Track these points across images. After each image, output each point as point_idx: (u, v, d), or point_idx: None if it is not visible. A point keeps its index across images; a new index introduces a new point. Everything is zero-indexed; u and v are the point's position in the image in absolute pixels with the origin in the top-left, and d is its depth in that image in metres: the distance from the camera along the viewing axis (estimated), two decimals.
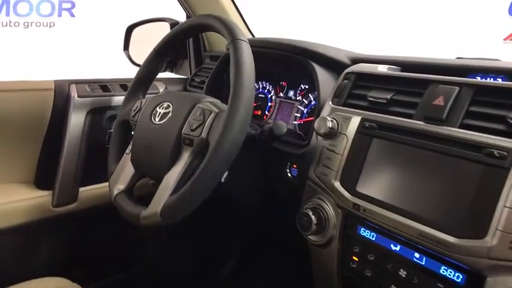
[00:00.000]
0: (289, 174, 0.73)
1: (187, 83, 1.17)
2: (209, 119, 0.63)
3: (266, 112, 0.97)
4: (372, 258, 0.58)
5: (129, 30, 1.29)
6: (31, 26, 3.41)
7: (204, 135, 0.62)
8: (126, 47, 1.28)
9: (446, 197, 0.46)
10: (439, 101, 0.51)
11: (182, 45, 1.21)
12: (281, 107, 0.94)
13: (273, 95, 0.97)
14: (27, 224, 0.95)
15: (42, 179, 0.98)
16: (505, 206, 0.41)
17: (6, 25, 3.31)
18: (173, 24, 1.16)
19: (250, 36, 1.19)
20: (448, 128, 0.49)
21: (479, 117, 0.47)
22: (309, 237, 0.64)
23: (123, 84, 1.04)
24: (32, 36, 3.48)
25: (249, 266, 1.19)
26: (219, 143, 0.57)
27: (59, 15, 3.52)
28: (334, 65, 0.72)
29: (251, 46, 0.89)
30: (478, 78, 0.55)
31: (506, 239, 0.40)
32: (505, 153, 0.42)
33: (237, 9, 1.15)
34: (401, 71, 0.63)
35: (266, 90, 0.99)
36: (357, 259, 0.61)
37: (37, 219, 0.96)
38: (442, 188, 0.46)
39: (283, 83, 0.95)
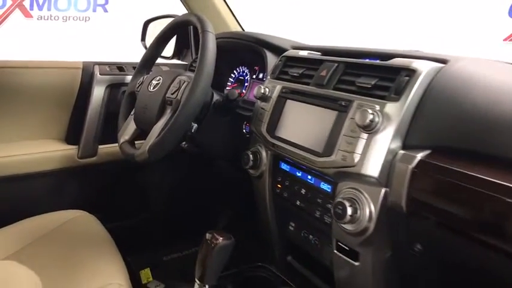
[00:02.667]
0: (244, 131, 0.99)
1: (187, 67, 1.45)
2: (183, 86, 0.89)
3: (243, 90, 1.23)
4: (287, 184, 0.84)
5: (146, 24, 1.57)
6: (69, 20, 3.80)
7: (179, 97, 0.89)
8: (143, 38, 1.56)
9: (319, 133, 0.71)
10: (323, 73, 0.75)
11: (183, 36, 1.47)
12: (253, 86, 1.20)
13: (249, 77, 1.23)
14: (58, 170, 1.25)
15: (71, 136, 1.28)
16: (343, 135, 0.66)
17: (47, 19, 3.71)
18: None
19: (239, 29, 1.44)
20: (326, 90, 0.74)
21: (344, 82, 0.72)
22: (249, 171, 0.90)
23: (134, 66, 1.33)
24: (70, 28, 3.87)
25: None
26: (185, 101, 0.83)
27: (94, 10, 3.89)
28: (279, 51, 0.97)
29: (224, 37, 1.16)
30: (367, 60, 0.79)
31: (341, 154, 0.65)
32: (347, 103, 0.67)
33: (227, 6, 1.41)
34: (322, 55, 0.88)
35: (244, 73, 1.25)
36: (280, 186, 0.86)
37: (66, 167, 1.26)
38: (318, 128, 0.71)
39: (256, 68, 1.20)
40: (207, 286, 0.73)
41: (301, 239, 0.86)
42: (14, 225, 1.05)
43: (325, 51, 0.87)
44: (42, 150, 1.22)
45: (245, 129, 0.99)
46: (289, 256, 0.95)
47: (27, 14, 3.64)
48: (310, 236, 0.83)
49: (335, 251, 0.72)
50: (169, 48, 1.44)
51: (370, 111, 0.61)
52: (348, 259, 0.70)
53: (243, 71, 1.25)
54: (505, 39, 3.05)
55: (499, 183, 0.49)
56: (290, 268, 0.94)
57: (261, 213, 0.95)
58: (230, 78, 1.29)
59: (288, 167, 0.83)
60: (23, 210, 1.09)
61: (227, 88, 1.28)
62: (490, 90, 0.59)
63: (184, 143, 1.14)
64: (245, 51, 1.13)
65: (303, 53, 0.87)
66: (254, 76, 1.20)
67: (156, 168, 1.40)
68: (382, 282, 0.70)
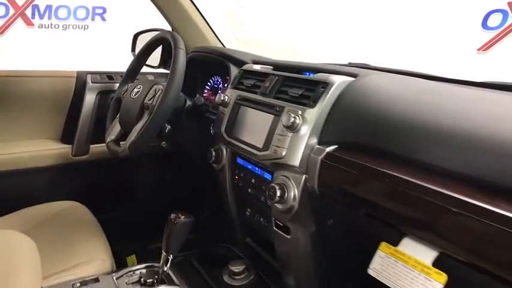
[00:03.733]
0: (211, 131, 1.17)
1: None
2: (158, 93, 1.07)
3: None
4: (242, 175, 1.01)
5: (135, 36, 1.75)
6: (68, 28, 3.99)
7: (154, 102, 1.06)
8: (133, 49, 1.73)
9: (261, 133, 0.88)
10: (267, 84, 0.92)
11: (167, 48, 1.65)
12: None
13: (221, 85, 1.40)
14: (54, 166, 1.43)
15: (66, 137, 1.46)
16: (276, 134, 0.83)
17: (48, 27, 3.90)
18: None
19: (219, 44, 1.62)
20: (268, 98, 0.91)
21: (281, 92, 0.89)
22: (213, 165, 1.08)
23: (122, 75, 1.51)
24: (69, 36, 4.06)
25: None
26: (157, 106, 1.00)
27: (92, 19, 4.09)
28: (240, 64, 1.15)
29: (198, 51, 1.33)
30: (307, 74, 0.97)
31: (273, 148, 0.82)
32: (281, 108, 0.85)
33: (207, 23, 1.58)
34: (273, 69, 1.05)
35: (218, 82, 1.43)
36: (237, 177, 1.04)
37: (61, 163, 1.44)
38: (261, 128, 0.88)
39: (227, 77, 1.38)
40: (171, 256, 0.90)
41: (255, 222, 1.04)
42: (15, 213, 1.21)
43: (276, 66, 1.05)
44: (40, 149, 1.40)
45: (212, 130, 1.17)
46: (248, 238, 1.12)
47: (29, 23, 3.83)
48: (261, 219, 1.01)
49: (274, 228, 0.89)
50: (156, 58, 1.61)
51: (292, 115, 0.78)
52: (282, 233, 0.87)
53: (217, 80, 1.43)
54: (478, 50, 3.24)
55: (383, 171, 0.65)
56: (249, 248, 1.12)
57: (223, 201, 1.12)
58: (207, 87, 1.47)
59: (242, 161, 1.01)
60: (23, 201, 1.26)
61: (203, 95, 1.45)
62: (387, 99, 0.76)
63: (164, 142, 1.32)
64: (217, 63, 1.30)
65: (257, 67, 1.05)
66: (226, 85, 1.38)
67: (141, 167, 1.57)
68: (310, 252, 0.87)
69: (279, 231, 0.88)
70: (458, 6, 3.26)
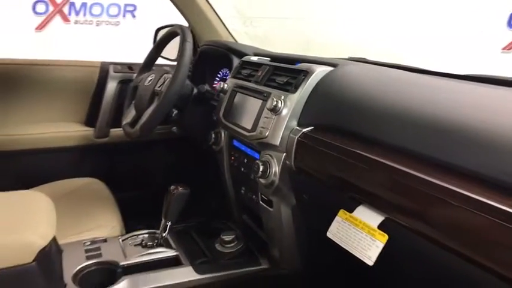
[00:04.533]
0: (214, 118, 1.28)
1: None
2: (166, 81, 1.19)
3: None
4: (237, 156, 1.12)
5: (157, 31, 1.89)
6: (101, 24, 4.22)
7: (163, 89, 1.18)
8: (154, 42, 1.89)
9: (251, 116, 0.97)
10: (259, 73, 1.03)
11: None
12: None
13: (229, 75, 1.51)
14: (77, 146, 1.59)
15: (89, 120, 1.62)
16: (263, 116, 0.93)
17: (82, 23, 4.15)
18: None
19: (231, 39, 1.72)
20: (259, 86, 1.01)
21: (270, 80, 0.98)
22: (212, 147, 1.19)
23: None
24: (102, 32, 4.29)
25: None
26: (164, 93, 1.12)
27: (124, 16, 4.30)
28: (242, 56, 1.25)
29: (208, 45, 1.44)
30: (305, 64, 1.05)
31: (259, 129, 0.92)
32: (268, 94, 0.94)
33: (220, 19, 1.69)
34: (270, 60, 1.15)
35: (226, 73, 1.54)
36: (233, 158, 1.14)
37: (84, 144, 1.59)
38: (251, 112, 0.98)
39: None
40: (169, 223, 1.02)
41: (248, 199, 1.14)
42: (40, 187, 1.37)
43: (273, 57, 1.15)
44: (66, 130, 1.57)
45: (214, 115, 1.28)
46: (245, 215, 1.22)
47: (65, 19, 4.09)
48: (253, 196, 1.11)
49: (260, 202, 1.00)
50: (175, 52, 1.75)
51: (275, 99, 0.88)
52: (267, 206, 0.97)
53: (226, 72, 1.54)
54: (503, 49, 3.19)
55: (348, 149, 0.73)
56: (245, 224, 1.22)
57: (222, 180, 1.23)
58: (217, 78, 1.58)
59: (238, 143, 1.11)
60: (49, 176, 1.42)
61: (213, 85, 1.57)
62: (360, 86, 0.85)
63: (174, 128, 1.44)
64: (223, 55, 1.41)
65: (254, 58, 1.15)
66: None
67: (155, 150, 1.71)
68: (291, 224, 0.96)
69: (264, 205, 0.98)
70: (483, 6, 3.22)
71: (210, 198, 1.39)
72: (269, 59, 1.16)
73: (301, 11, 3.91)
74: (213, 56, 1.53)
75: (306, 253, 1.01)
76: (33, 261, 0.73)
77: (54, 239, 0.82)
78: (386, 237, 0.63)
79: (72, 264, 0.92)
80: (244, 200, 1.18)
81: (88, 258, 0.95)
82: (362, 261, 0.65)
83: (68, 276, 0.89)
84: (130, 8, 4.26)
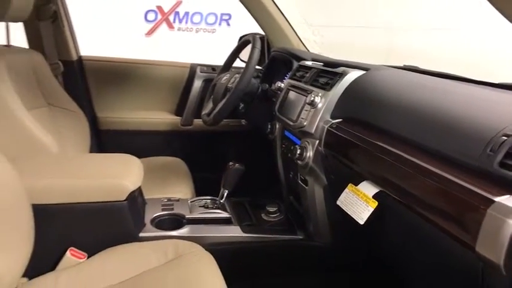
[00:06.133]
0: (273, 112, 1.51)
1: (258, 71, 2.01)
2: (236, 80, 1.45)
3: None
4: (287, 144, 1.33)
5: (240, 38, 2.20)
6: (200, 31, 4.74)
7: (233, 86, 1.45)
8: None
9: (297, 109, 1.18)
10: (308, 75, 1.22)
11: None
12: None
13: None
14: (167, 131, 1.94)
15: (177, 110, 1.97)
16: (304, 109, 1.13)
17: (184, 30, 4.71)
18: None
19: (301, 46, 1.93)
20: (306, 85, 1.21)
21: (315, 81, 1.18)
22: (269, 136, 1.42)
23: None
24: (200, 38, 4.81)
25: None
26: (233, 89, 1.38)
27: (219, 24, 4.77)
28: (300, 61, 1.46)
29: (276, 51, 1.68)
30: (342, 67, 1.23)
31: (300, 120, 1.12)
32: (310, 91, 1.14)
33: (292, 29, 1.92)
34: (323, 65, 1.34)
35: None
36: (284, 146, 1.36)
37: (172, 130, 1.95)
38: (297, 106, 1.18)
39: None
40: (226, 191, 1.28)
41: (296, 182, 1.34)
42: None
43: (325, 62, 1.35)
44: (159, 117, 1.94)
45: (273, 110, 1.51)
46: (291, 196, 1.43)
47: (170, 26, 4.68)
48: (295, 176, 1.31)
49: (298, 181, 1.20)
50: None
51: (313, 95, 1.08)
52: (303, 184, 1.17)
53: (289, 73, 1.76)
54: None
55: (363, 137, 0.90)
56: (291, 204, 1.42)
57: (275, 165, 1.45)
58: (284, 78, 1.81)
59: (288, 133, 1.33)
60: (145, 151, 1.76)
61: None
62: (381, 87, 1.00)
63: (243, 121, 1.71)
64: (288, 60, 1.64)
65: (308, 63, 1.35)
66: None
67: (227, 139, 1.99)
68: (323, 202, 1.15)
69: (301, 183, 1.19)
70: None
71: (264, 180, 1.61)
72: (322, 63, 1.35)
73: (374, 19, 3.95)
74: (280, 60, 1.76)
75: (336, 229, 1.19)
76: (125, 200, 1.04)
77: (140, 189, 1.13)
78: (376, 203, 0.80)
79: (151, 212, 1.23)
80: (291, 182, 1.39)
81: (163, 209, 1.25)
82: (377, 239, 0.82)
83: (147, 219, 1.19)
84: (226, 17, 4.71)
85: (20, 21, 1.42)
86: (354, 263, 1.23)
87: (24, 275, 0.88)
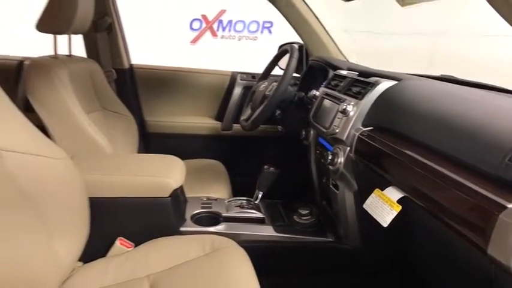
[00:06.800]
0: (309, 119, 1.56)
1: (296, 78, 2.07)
2: (273, 87, 1.53)
3: None
4: (321, 150, 1.39)
5: (280, 47, 2.28)
6: (242, 39, 4.88)
7: (270, 94, 1.53)
8: None
9: (330, 117, 1.24)
10: (343, 84, 1.28)
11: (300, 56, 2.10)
12: None
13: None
14: (207, 135, 2.05)
15: (218, 116, 2.08)
16: (336, 117, 1.18)
17: (227, 38, 4.87)
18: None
19: (340, 56, 1.98)
20: (339, 94, 1.26)
21: (348, 90, 1.22)
22: (303, 142, 1.48)
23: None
24: (242, 46, 4.95)
25: None
26: (270, 96, 1.45)
27: (261, 32, 4.89)
28: (336, 70, 1.51)
29: (314, 60, 1.74)
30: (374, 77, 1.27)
31: (332, 127, 1.18)
32: (343, 100, 1.19)
33: (331, 38, 1.97)
34: (358, 75, 1.38)
35: None
36: (318, 152, 1.42)
37: (212, 134, 2.06)
38: (330, 114, 1.24)
39: None
40: (260, 193, 1.35)
41: (328, 186, 1.39)
42: None
43: (360, 72, 1.39)
44: (201, 122, 2.05)
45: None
46: (324, 201, 1.48)
47: (214, 34, 4.86)
48: (330, 185, 1.36)
49: (330, 186, 1.25)
50: None
51: (345, 104, 1.13)
52: (334, 189, 1.22)
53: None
54: None
55: (392, 146, 0.95)
56: (323, 208, 1.48)
57: (309, 171, 1.51)
58: (320, 87, 1.87)
59: (322, 139, 1.39)
60: (187, 153, 1.85)
61: None
62: (414, 96, 1.04)
63: (280, 127, 1.78)
64: (325, 69, 1.70)
65: (343, 72, 1.41)
66: None
67: (265, 144, 2.07)
68: (353, 207, 1.19)
69: (332, 188, 1.24)
70: None
71: (297, 184, 1.68)
72: (357, 73, 1.40)
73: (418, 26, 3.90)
74: (317, 69, 1.82)
75: (365, 233, 1.23)
76: (168, 196, 1.15)
77: (182, 187, 1.23)
78: (400, 207, 0.84)
79: (192, 209, 1.33)
80: (324, 187, 1.44)
81: (202, 207, 1.35)
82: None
83: (187, 216, 1.29)
84: (268, 25, 4.82)
85: (81, 33, 1.58)
86: (382, 267, 1.26)
87: (79, 260, 1.00)
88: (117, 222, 1.14)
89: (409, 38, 4.38)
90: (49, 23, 1.33)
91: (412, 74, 1.37)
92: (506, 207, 0.59)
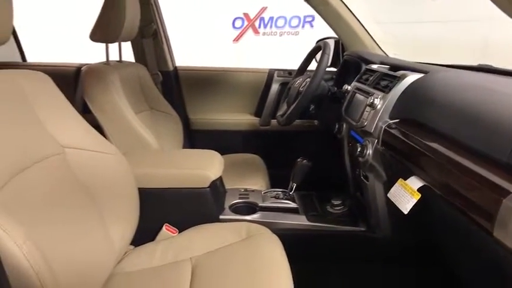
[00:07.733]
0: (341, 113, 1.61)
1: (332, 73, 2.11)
2: (307, 83, 1.59)
3: None
4: (352, 142, 1.43)
5: (317, 42, 2.33)
6: (283, 34, 4.93)
7: (304, 90, 1.59)
8: None
9: (360, 110, 1.28)
10: (372, 78, 1.31)
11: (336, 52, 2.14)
12: None
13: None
14: (247, 130, 2.15)
15: (256, 112, 2.17)
16: (365, 110, 1.22)
17: (269, 34, 4.94)
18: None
19: (377, 50, 1.98)
20: (369, 88, 1.30)
21: (377, 83, 1.26)
22: (337, 135, 1.53)
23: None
24: (284, 41, 5.00)
25: None
26: (304, 92, 1.52)
27: (303, 26, 4.91)
28: (368, 64, 1.54)
29: (348, 55, 1.78)
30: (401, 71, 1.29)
31: (362, 120, 1.22)
32: (372, 93, 1.23)
33: (368, 33, 1.98)
34: (389, 69, 1.41)
35: None
36: (350, 144, 1.46)
37: (251, 129, 2.15)
38: (360, 108, 1.29)
39: None
40: (294, 184, 1.43)
41: (361, 178, 1.44)
42: None
43: (391, 65, 1.42)
44: (241, 118, 2.16)
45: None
46: (358, 192, 1.52)
47: (256, 31, 4.96)
48: (361, 176, 1.41)
49: (361, 177, 1.30)
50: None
51: (373, 98, 1.18)
52: (364, 180, 1.27)
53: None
54: None
55: (416, 137, 0.98)
56: (357, 199, 1.52)
57: (343, 163, 1.56)
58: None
59: (354, 133, 1.43)
60: (228, 148, 1.97)
61: None
62: (439, 88, 1.06)
63: (316, 121, 1.84)
64: (359, 63, 1.73)
65: (374, 66, 1.44)
66: None
67: (302, 139, 2.13)
68: (383, 197, 1.24)
69: (363, 179, 1.28)
70: None
71: (331, 176, 1.73)
72: (388, 66, 1.43)
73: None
74: (352, 63, 1.86)
75: (395, 223, 1.26)
76: (208, 187, 1.26)
77: (220, 179, 1.34)
78: (419, 195, 0.89)
79: (230, 199, 1.43)
80: (357, 179, 1.48)
81: (240, 198, 1.45)
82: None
83: (226, 205, 1.40)
84: (309, 19, 4.83)
85: (129, 40, 1.74)
86: (411, 256, 1.29)
87: (131, 244, 1.13)
88: (163, 210, 1.27)
89: (454, 26, 4.19)
90: (101, 33, 1.49)
91: (445, 65, 1.37)
92: (510, 192, 0.62)
